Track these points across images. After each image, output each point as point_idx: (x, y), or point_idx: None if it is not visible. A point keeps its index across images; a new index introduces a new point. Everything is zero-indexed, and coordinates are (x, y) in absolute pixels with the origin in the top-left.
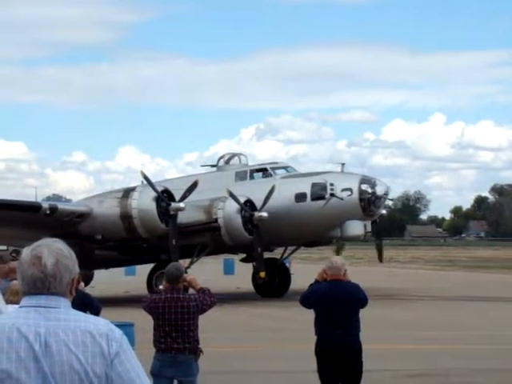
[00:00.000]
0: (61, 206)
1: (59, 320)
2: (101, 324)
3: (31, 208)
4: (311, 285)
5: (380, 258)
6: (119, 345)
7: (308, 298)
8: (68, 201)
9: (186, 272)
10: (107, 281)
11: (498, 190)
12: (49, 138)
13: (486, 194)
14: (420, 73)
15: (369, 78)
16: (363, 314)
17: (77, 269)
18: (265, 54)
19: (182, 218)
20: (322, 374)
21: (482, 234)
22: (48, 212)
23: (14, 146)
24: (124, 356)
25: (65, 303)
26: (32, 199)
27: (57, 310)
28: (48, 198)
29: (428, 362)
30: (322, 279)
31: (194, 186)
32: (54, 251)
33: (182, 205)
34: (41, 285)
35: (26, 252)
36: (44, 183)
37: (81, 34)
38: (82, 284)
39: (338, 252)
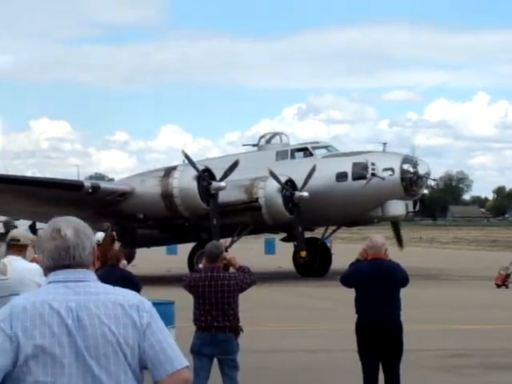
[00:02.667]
0: (103, 184)
1: (89, 294)
2: (130, 296)
3: (73, 186)
4: (352, 264)
5: (400, 243)
6: (150, 315)
7: (349, 277)
8: (110, 180)
9: (226, 251)
10: (149, 260)
11: None
12: (92, 118)
13: None
14: (464, 52)
15: (412, 57)
16: (404, 293)
17: (95, 239)
18: (308, 33)
19: (223, 197)
20: (363, 353)
21: None
22: (90, 191)
23: (58, 125)
24: (155, 326)
25: (92, 276)
26: (74, 178)
27: (86, 283)
28: (90, 177)
29: (469, 341)
30: (363, 258)
31: (235, 165)
32: (71, 223)
33: (222, 184)
34: (65, 255)
35: (44, 229)
36: (87, 162)
37: (126, 14)
38: (125, 262)
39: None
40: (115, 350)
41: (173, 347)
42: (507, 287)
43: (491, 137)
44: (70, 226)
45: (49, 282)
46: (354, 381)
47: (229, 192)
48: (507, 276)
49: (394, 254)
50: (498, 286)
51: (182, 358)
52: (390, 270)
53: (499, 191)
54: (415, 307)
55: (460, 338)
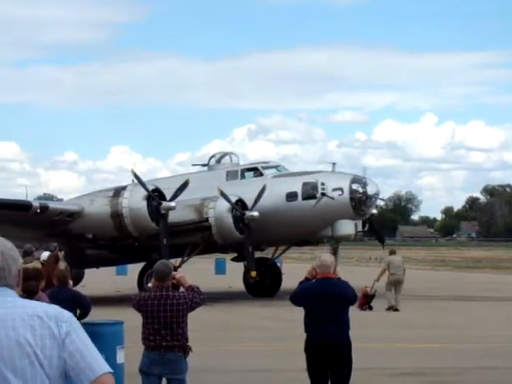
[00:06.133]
0: (51, 204)
1: (6, 308)
2: (49, 308)
3: (21, 206)
4: (301, 282)
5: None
6: (69, 324)
7: (298, 296)
8: (59, 200)
9: (176, 270)
10: (98, 280)
11: (489, 191)
12: (41, 138)
13: (477, 194)
14: (411, 73)
15: (360, 78)
16: (352, 312)
17: (21, 260)
18: (257, 55)
19: (173, 217)
20: (312, 371)
21: (474, 235)
22: (38, 211)
23: (7, 146)
24: (75, 335)
25: (12, 293)
26: (23, 198)
27: (4, 298)
28: (39, 198)
29: (416, 360)
30: (312, 277)
31: (185, 185)
32: None
33: (172, 204)
34: None
35: None
36: (35, 183)
37: (72, 35)
38: (71, 282)
39: (334, 253)
40: (31, 360)
41: (93, 354)
42: (371, 309)
43: (439, 158)
44: None
45: None
46: None
47: (179, 212)
48: (370, 297)
49: (344, 273)
50: (362, 308)
51: (104, 364)
52: (339, 289)
53: (447, 211)
54: (363, 325)
55: (407, 357)
